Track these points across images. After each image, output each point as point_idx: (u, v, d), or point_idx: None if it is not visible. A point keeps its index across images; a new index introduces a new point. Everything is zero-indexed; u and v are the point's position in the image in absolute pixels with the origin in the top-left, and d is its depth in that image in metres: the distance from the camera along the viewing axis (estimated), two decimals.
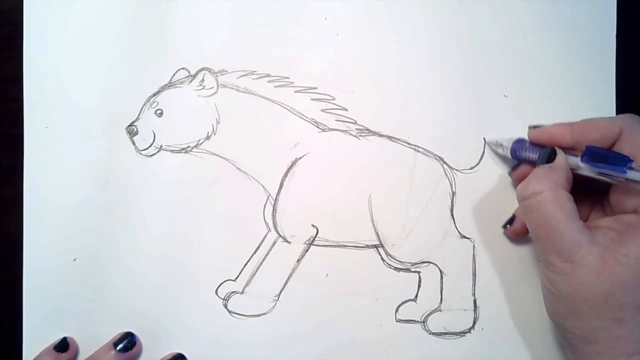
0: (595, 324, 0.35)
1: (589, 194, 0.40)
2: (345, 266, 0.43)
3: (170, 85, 0.44)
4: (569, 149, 0.39)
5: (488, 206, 0.44)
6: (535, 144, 0.41)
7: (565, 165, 0.38)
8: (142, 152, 0.44)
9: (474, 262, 0.43)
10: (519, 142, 0.41)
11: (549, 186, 0.37)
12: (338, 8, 0.44)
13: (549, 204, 0.36)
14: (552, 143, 0.39)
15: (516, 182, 0.42)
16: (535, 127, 0.41)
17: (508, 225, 0.43)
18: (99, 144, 0.44)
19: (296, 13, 0.44)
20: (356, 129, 0.44)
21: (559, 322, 0.38)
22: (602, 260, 0.35)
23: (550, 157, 0.39)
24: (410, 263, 0.43)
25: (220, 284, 0.43)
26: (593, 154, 0.37)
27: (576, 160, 0.38)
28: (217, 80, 0.44)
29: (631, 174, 0.36)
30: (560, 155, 0.38)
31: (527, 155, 0.41)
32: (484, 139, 0.44)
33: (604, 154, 0.37)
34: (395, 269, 0.44)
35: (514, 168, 0.43)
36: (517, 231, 0.42)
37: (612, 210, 0.39)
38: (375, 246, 0.44)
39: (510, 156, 0.42)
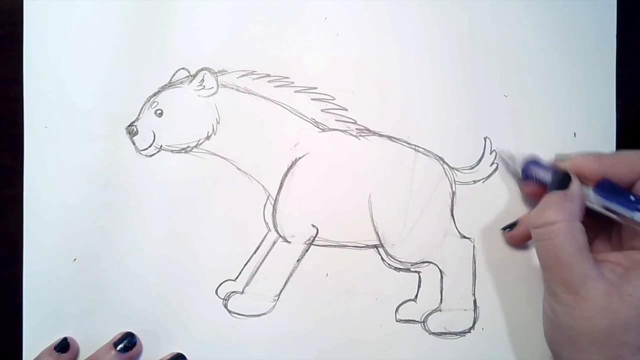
0: (594, 359, 0.35)
1: (597, 222, 0.40)
2: (345, 266, 0.43)
3: (170, 85, 0.44)
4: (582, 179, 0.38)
5: (488, 206, 0.44)
6: (548, 167, 0.40)
7: (580, 195, 0.37)
8: (142, 152, 0.44)
9: (474, 262, 0.43)
10: (532, 161, 0.41)
11: (563, 217, 0.36)
12: (338, 8, 0.44)
13: (561, 235, 0.36)
14: (579, 174, 0.39)
15: (527, 197, 0.42)
16: (562, 157, 0.40)
17: (508, 229, 0.43)
18: (99, 144, 0.44)
19: (296, 13, 0.44)
20: (356, 129, 0.44)
21: (557, 351, 0.38)
22: (607, 296, 0.35)
23: (564, 182, 0.38)
24: (410, 263, 0.43)
25: (220, 284, 0.43)
26: (606, 188, 0.37)
27: (587, 191, 0.38)
28: (217, 80, 0.44)
29: (637, 216, 0.36)
30: (576, 183, 0.38)
31: (538, 175, 0.40)
32: (485, 137, 0.44)
33: (617, 189, 0.37)
34: (395, 269, 0.44)
35: (522, 183, 0.42)
36: (516, 237, 0.42)
37: (622, 245, 0.39)
38: (375, 246, 0.44)
39: (519, 171, 0.42)
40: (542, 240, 0.37)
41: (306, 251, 0.44)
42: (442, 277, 0.43)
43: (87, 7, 0.44)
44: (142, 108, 0.44)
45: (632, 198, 0.36)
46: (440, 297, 0.43)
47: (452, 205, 0.44)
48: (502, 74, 0.44)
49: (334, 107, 0.44)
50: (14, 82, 0.44)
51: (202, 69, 0.44)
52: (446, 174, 0.44)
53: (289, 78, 0.44)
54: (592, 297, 0.35)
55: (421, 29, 0.44)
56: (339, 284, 0.43)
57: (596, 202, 0.37)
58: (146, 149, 0.43)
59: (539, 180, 0.40)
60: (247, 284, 0.43)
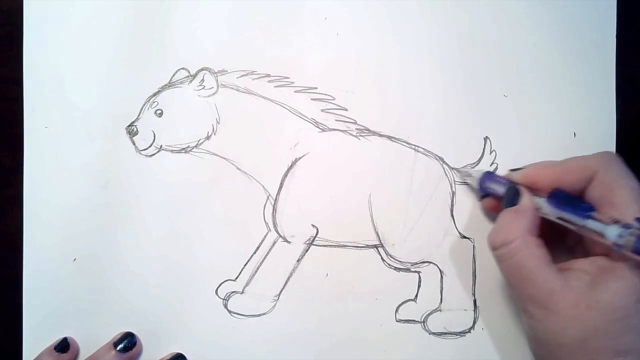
0: None
1: (555, 230, 0.39)
2: (345, 266, 0.43)
3: (170, 85, 0.44)
4: (536, 190, 0.39)
5: None
6: (502, 180, 0.40)
7: (531, 208, 0.38)
8: (142, 152, 0.44)
9: (474, 262, 0.43)
10: (487, 175, 0.41)
11: (517, 234, 0.37)
12: (338, 8, 0.44)
13: (519, 253, 0.36)
14: (533, 187, 0.39)
15: (487, 211, 0.43)
16: (515, 170, 0.40)
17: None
18: (99, 144, 0.44)
19: (296, 13, 0.44)
20: (356, 129, 0.44)
21: None
22: (575, 306, 0.35)
23: (514, 197, 0.38)
24: (410, 263, 0.43)
25: (220, 284, 0.43)
26: (559, 197, 0.37)
27: (540, 202, 0.38)
28: (217, 80, 0.44)
29: (590, 223, 0.36)
30: (526, 197, 0.38)
31: (494, 189, 0.41)
32: (485, 138, 0.44)
33: (569, 199, 0.37)
34: (395, 269, 0.44)
35: (482, 198, 0.43)
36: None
37: (587, 251, 0.39)
38: (375, 246, 0.44)
39: (477, 187, 0.42)
40: (503, 261, 0.38)
41: (306, 251, 0.44)
42: (442, 277, 0.43)
43: (87, 7, 0.44)
44: (142, 108, 0.44)
45: (584, 206, 0.36)
46: (440, 297, 0.43)
47: (452, 205, 0.44)
48: (502, 74, 0.44)
49: (334, 107, 0.44)
50: (14, 82, 0.44)
51: (202, 69, 0.44)
52: (446, 174, 0.44)
53: (289, 78, 0.44)
54: (561, 309, 0.35)
55: (421, 29, 0.44)
56: (339, 284, 0.43)
57: (551, 212, 0.38)
58: (146, 149, 0.43)
59: (496, 195, 0.41)
60: (247, 284, 0.43)
